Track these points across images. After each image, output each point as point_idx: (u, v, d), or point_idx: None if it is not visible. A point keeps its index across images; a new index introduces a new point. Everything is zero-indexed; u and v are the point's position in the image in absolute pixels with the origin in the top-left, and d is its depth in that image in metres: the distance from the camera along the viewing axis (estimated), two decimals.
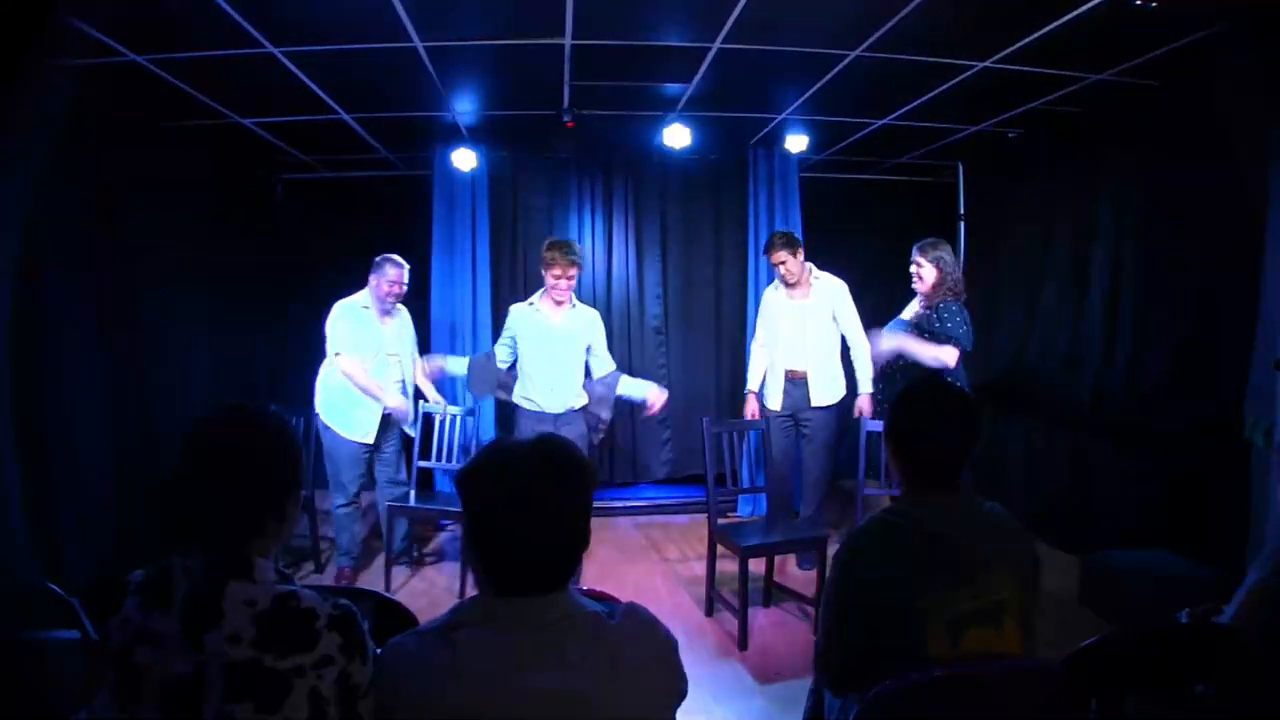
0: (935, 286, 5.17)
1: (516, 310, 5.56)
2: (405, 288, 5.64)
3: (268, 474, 1.78)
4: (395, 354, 5.69)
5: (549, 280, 5.33)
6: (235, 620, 1.62)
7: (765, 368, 6.04)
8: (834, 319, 5.89)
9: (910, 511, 2.29)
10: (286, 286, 7.67)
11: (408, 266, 5.63)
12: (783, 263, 5.78)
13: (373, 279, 5.55)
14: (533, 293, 5.57)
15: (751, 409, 6.00)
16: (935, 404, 2.39)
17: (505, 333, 5.57)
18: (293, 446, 1.87)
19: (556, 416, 5.39)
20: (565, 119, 5.94)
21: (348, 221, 7.88)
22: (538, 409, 5.41)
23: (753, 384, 6.09)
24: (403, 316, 5.82)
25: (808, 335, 5.84)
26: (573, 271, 5.32)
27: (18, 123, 3.32)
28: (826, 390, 5.86)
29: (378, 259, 5.57)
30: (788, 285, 5.89)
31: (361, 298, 5.61)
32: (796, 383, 5.86)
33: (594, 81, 5.40)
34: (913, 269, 5.27)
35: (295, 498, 1.86)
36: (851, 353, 5.91)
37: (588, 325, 5.54)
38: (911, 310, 5.42)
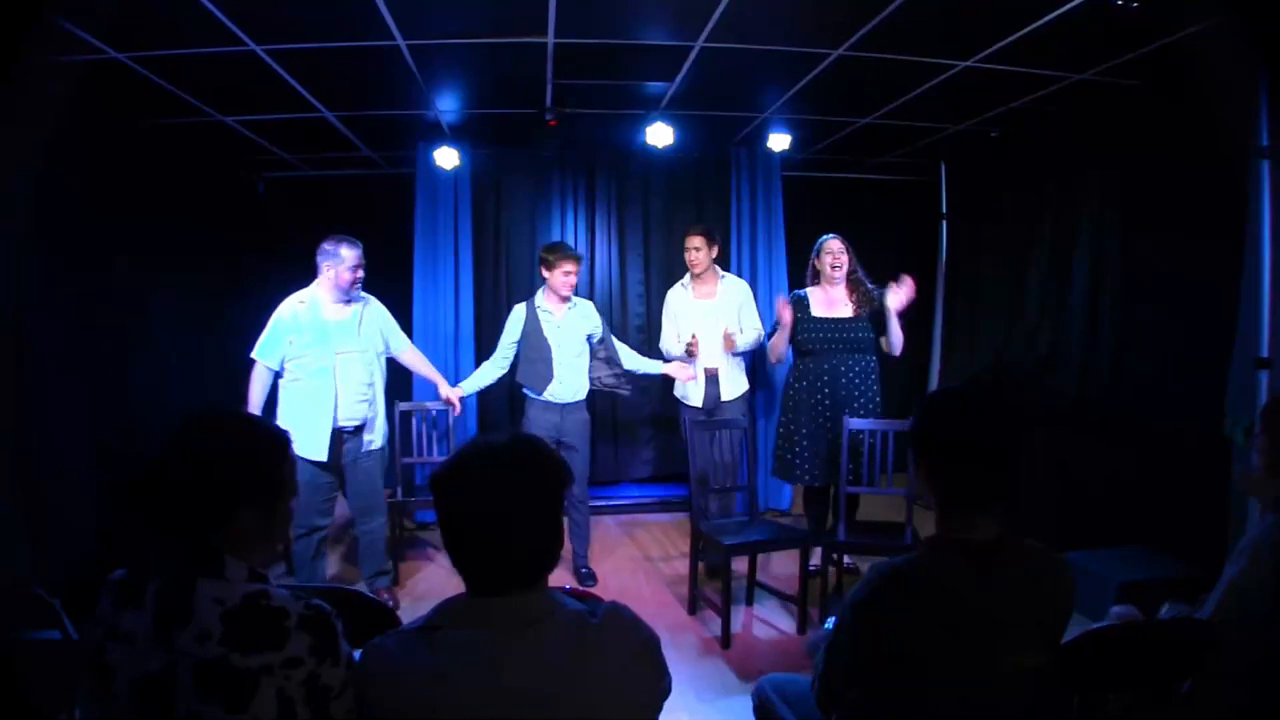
0: (851, 273, 5.61)
1: (520, 311, 5.67)
2: (361, 268, 5.05)
3: (236, 473, 1.76)
4: (353, 350, 5.03)
5: (558, 277, 5.50)
6: (204, 618, 1.61)
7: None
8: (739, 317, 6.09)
9: (935, 567, 2.04)
10: (268, 286, 7.63)
11: (361, 245, 5.08)
12: (696, 249, 5.97)
13: (328, 268, 4.97)
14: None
15: (687, 374, 5.98)
16: (964, 417, 2.10)
17: (507, 337, 5.65)
18: (267, 449, 1.83)
19: (564, 406, 5.60)
20: (548, 117, 5.93)
21: (330, 220, 7.79)
22: (546, 399, 5.58)
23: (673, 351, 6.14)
24: (371, 308, 5.22)
25: (718, 334, 5.96)
26: (578, 267, 5.57)
27: (11, 123, 3.30)
28: (734, 385, 6.06)
29: (328, 245, 4.99)
30: (693, 277, 6.10)
31: (304, 294, 5.05)
32: (711, 380, 6.01)
33: (577, 80, 5.40)
34: (832, 259, 5.58)
35: (277, 499, 1.83)
36: (748, 337, 6.11)
37: (588, 316, 5.72)
38: (845, 304, 5.58)
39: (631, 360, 5.89)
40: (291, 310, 4.98)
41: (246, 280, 7.50)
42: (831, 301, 5.56)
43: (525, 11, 4.25)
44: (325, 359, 4.95)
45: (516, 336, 5.63)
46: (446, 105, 6.05)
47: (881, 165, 8.10)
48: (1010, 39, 4.47)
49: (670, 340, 6.15)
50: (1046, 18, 4.13)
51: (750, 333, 6.08)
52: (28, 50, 3.12)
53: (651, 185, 7.93)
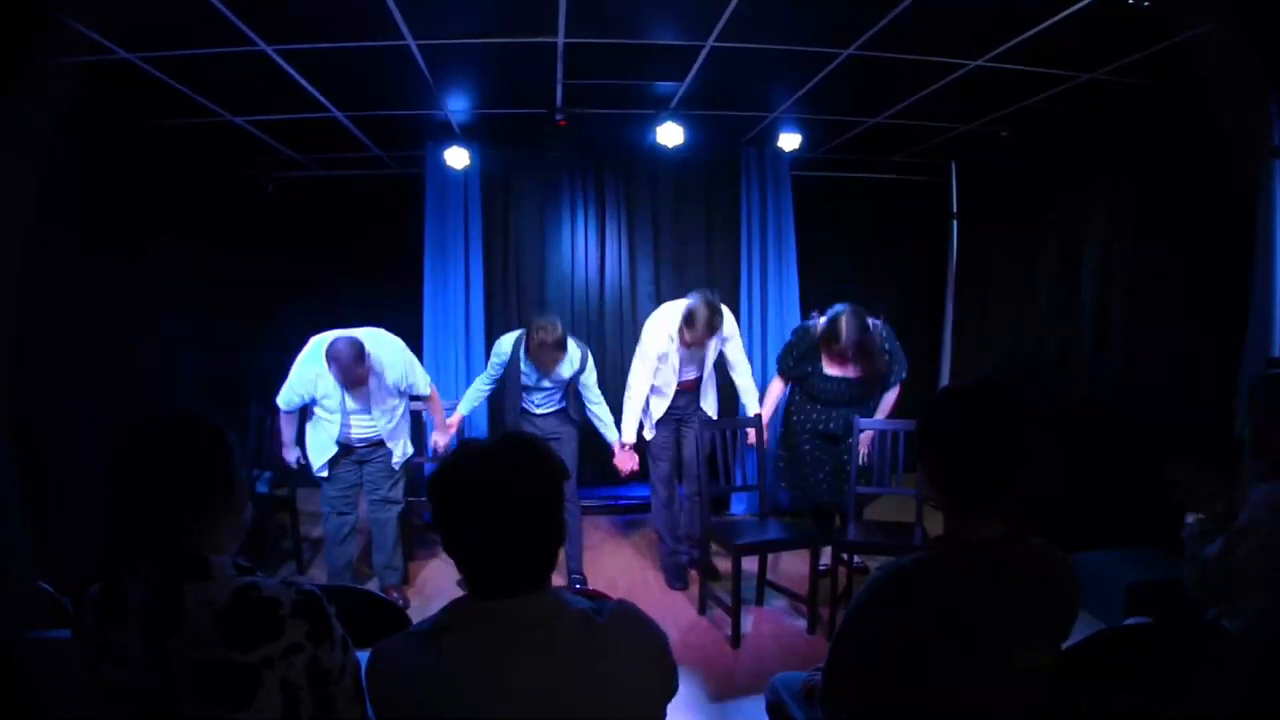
0: (860, 344, 5.28)
1: (507, 347, 5.57)
2: (364, 369, 4.90)
3: (193, 471, 1.76)
4: (362, 409, 5.12)
5: (542, 356, 5.32)
6: (196, 622, 1.61)
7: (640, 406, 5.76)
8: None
9: (940, 566, 2.02)
10: (278, 285, 7.66)
11: (357, 348, 4.82)
12: (708, 335, 5.43)
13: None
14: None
15: (629, 464, 5.76)
16: (969, 416, 2.04)
17: (495, 360, 5.63)
18: (216, 441, 1.83)
19: (546, 416, 5.68)
20: (558, 117, 5.93)
21: (340, 220, 7.89)
22: (526, 408, 5.68)
23: (629, 434, 5.74)
24: (385, 375, 5.10)
25: (704, 358, 5.74)
26: (560, 355, 5.39)
27: (15, 123, 3.31)
28: (711, 401, 5.88)
29: (327, 349, 4.87)
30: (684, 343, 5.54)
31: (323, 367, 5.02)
32: (685, 390, 5.77)
33: (587, 80, 5.40)
34: (840, 347, 5.28)
35: (232, 489, 1.83)
36: (736, 377, 5.84)
37: (573, 364, 5.56)
38: (853, 367, 5.43)
39: (598, 415, 5.73)
40: (314, 374, 5.00)
41: (256, 280, 7.52)
42: (842, 363, 5.43)
43: (535, 11, 4.25)
44: (336, 414, 5.09)
45: (502, 362, 5.60)
46: (456, 105, 6.05)
47: (892, 165, 8.08)
48: (1020, 38, 4.45)
49: (643, 379, 5.66)
50: (1057, 17, 4.11)
51: (747, 381, 5.85)
52: (34, 49, 3.13)
53: (661, 185, 7.91)
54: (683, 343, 5.49)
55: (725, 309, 5.56)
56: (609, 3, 4.23)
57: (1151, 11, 3.90)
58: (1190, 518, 2.97)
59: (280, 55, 4.67)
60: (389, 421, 5.22)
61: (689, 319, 5.33)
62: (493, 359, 5.66)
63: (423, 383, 5.38)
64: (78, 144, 4.79)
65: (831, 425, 5.52)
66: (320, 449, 5.17)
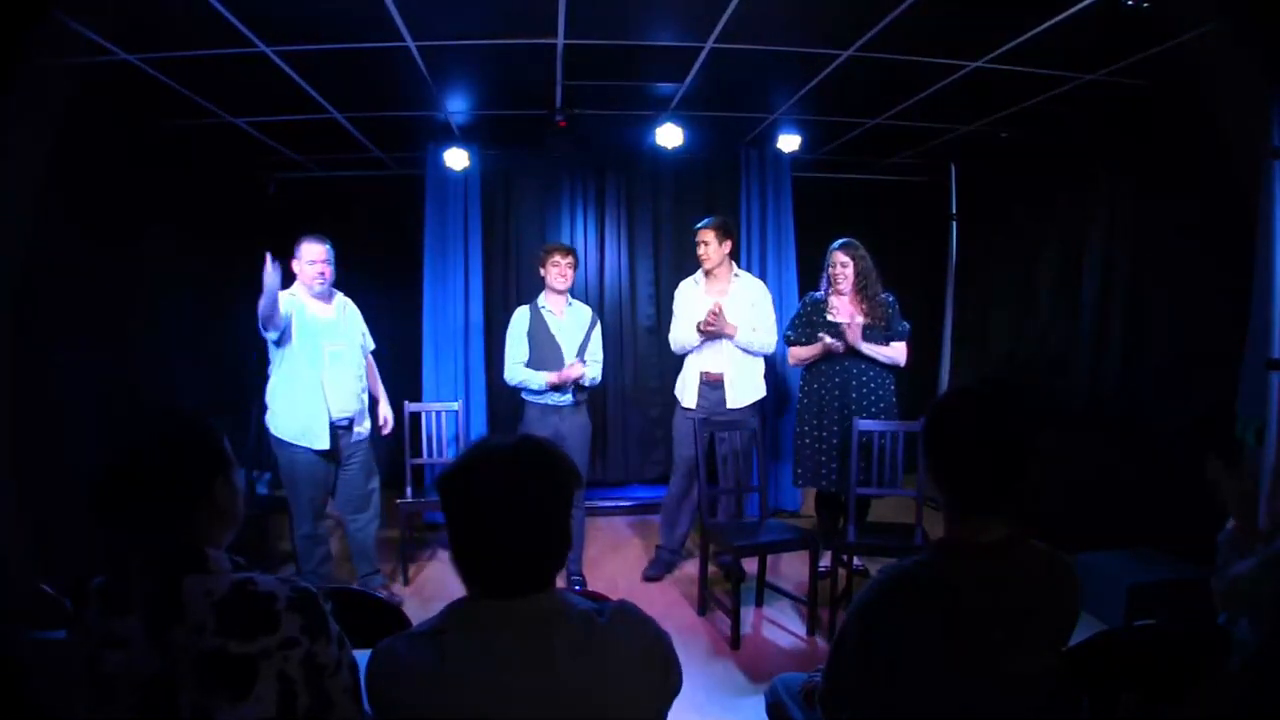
0: (860, 279, 5.53)
1: (524, 312, 5.65)
2: (330, 266, 5.11)
3: (184, 464, 1.80)
4: (341, 344, 5.13)
5: (550, 270, 5.53)
6: (196, 612, 1.64)
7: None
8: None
9: (942, 569, 2.02)
10: (280, 286, 7.64)
11: (328, 244, 5.13)
12: (706, 243, 5.68)
13: (295, 265, 5.10)
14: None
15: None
16: (975, 418, 2.05)
17: (516, 337, 5.58)
18: (205, 434, 1.88)
19: (561, 408, 5.55)
20: (557, 118, 5.92)
21: (340, 221, 7.85)
22: (544, 402, 5.54)
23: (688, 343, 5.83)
24: (348, 310, 5.34)
25: (727, 297, 5.72)
26: (570, 259, 5.57)
27: (15, 124, 3.31)
28: (744, 392, 5.76)
29: (298, 244, 5.12)
30: (705, 274, 5.80)
31: (286, 292, 5.05)
32: (714, 385, 5.74)
33: (586, 81, 5.40)
34: (833, 271, 5.59)
35: (225, 480, 1.86)
36: (757, 337, 5.76)
37: (583, 318, 5.69)
38: (856, 311, 5.53)
39: (592, 369, 5.64)
40: (288, 301, 5.03)
41: (255, 281, 7.50)
42: (845, 307, 5.54)
43: (535, 13, 4.25)
44: (315, 353, 5.02)
45: (523, 332, 5.55)
46: (456, 106, 6.05)
47: (892, 166, 8.08)
48: (1020, 39, 4.45)
49: (683, 330, 5.82)
50: (1057, 18, 4.11)
51: (759, 334, 5.72)
52: (34, 50, 3.13)
53: (661, 186, 7.94)
54: (704, 267, 5.76)
55: (759, 281, 6.03)
56: (609, 3, 4.23)
57: (1151, 12, 3.90)
58: (1231, 522, 2.93)
59: (280, 56, 4.67)
60: (359, 378, 5.25)
61: (696, 232, 5.78)
62: (511, 339, 5.59)
63: (369, 340, 5.50)
64: (78, 146, 4.78)
65: (838, 393, 5.49)
66: (307, 415, 4.98)
